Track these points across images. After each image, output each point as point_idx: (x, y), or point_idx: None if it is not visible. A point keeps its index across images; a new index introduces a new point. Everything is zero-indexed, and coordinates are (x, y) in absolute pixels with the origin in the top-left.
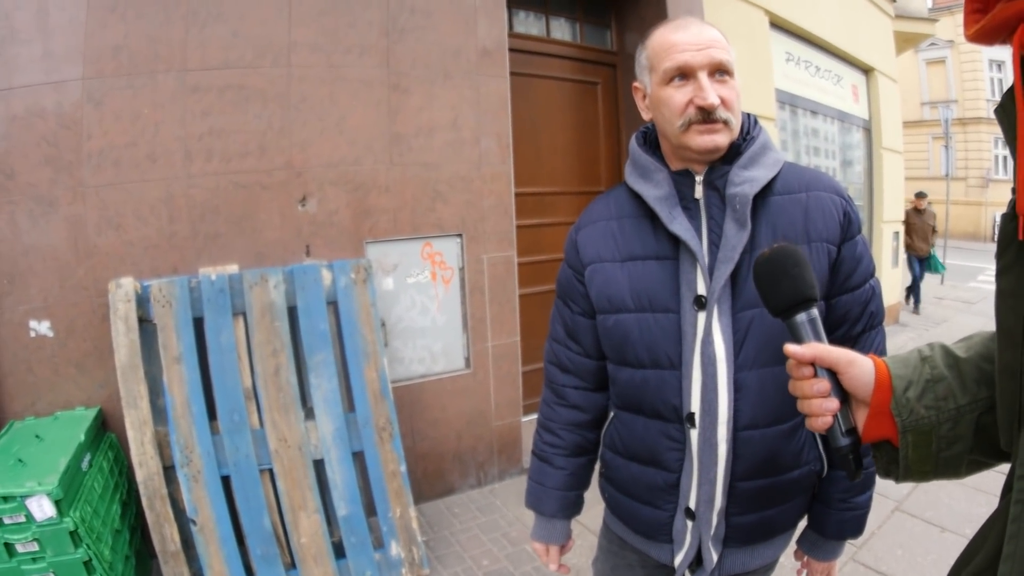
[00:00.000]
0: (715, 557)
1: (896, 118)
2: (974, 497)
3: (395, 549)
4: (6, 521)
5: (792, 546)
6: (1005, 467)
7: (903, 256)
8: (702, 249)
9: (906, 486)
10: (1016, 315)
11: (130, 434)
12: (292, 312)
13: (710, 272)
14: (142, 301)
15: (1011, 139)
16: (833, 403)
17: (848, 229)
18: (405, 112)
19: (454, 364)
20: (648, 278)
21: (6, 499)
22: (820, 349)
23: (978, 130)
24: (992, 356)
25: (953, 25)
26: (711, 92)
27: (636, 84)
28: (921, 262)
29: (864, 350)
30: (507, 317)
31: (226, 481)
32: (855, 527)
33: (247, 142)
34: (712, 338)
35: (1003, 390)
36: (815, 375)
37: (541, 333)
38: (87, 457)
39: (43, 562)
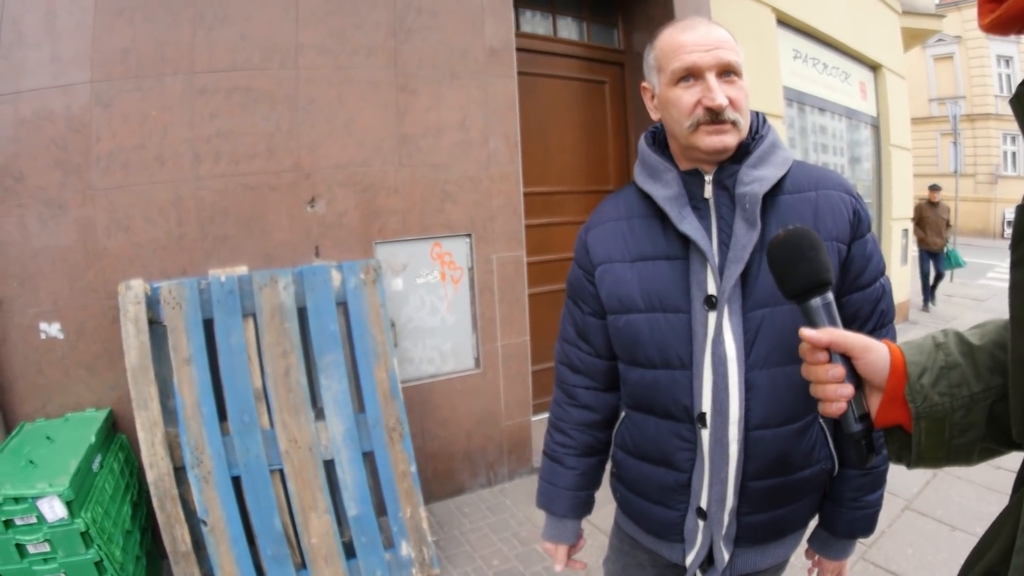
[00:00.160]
0: (726, 556)
1: (904, 115)
2: (984, 496)
3: (405, 549)
4: (18, 522)
5: (803, 545)
6: (1015, 466)
7: (912, 254)
8: (712, 249)
9: (916, 484)
10: None
11: (140, 435)
12: (302, 313)
13: (720, 272)
14: (152, 303)
15: None
16: (848, 388)
17: (858, 227)
18: (413, 113)
19: (464, 364)
20: (658, 278)
21: (17, 500)
22: (836, 334)
23: (986, 126)
24: (1006, 344)
25: (960, 21)
26: (719, 93)
27: (644, 84)
28: (934, 257)
29: None
30: (517, 317)
31: (236, 482)
32: (866, 526)
33: (255, 144)
34: (723, 338)
35: (1016, 381)
36: (830, 360)
37: (551, 332)
38: (98, 458)
39: (54, 563)
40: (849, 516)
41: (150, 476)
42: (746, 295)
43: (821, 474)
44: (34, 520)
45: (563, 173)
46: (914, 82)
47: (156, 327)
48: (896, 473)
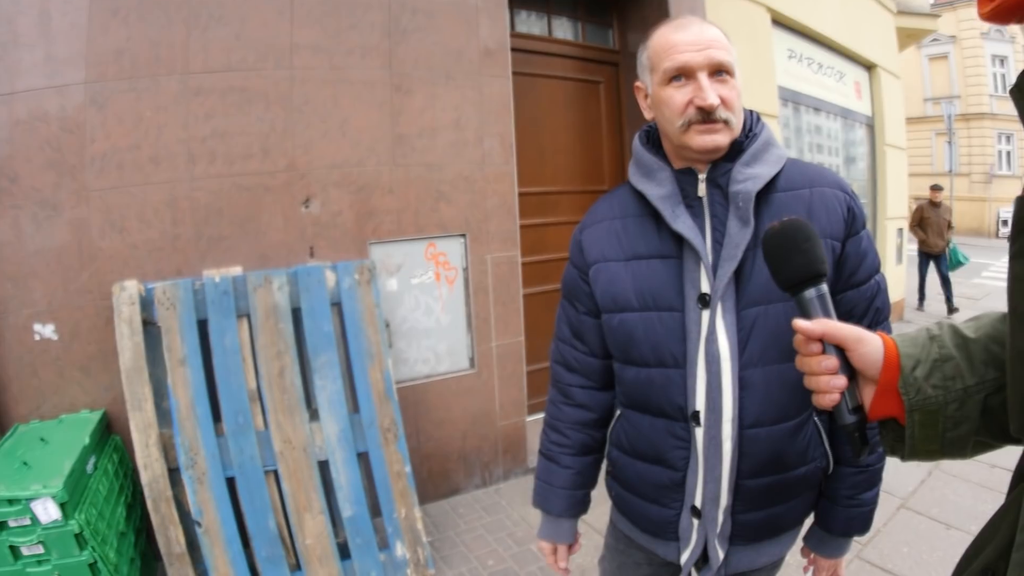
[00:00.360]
0: (721, 555)
1: (899, 114)
2: (980, 494)
3: (400, 550)
4: (11, 524)
5: (799, 543)
6: (1010, 463)
7: (908, 254)
8: (705, 247)
9: (912, 483)
10: None
11: (135, 436)
12: (296, 314)
13: (714, 270)
14: (146, 304)
15: None
16: (841, 380)
17: (852, 225)
18: (408, 113)
19: (458, 364)
20: (652, 277)
21: (11, 502)
22: (829, 325)
23: (981, 125)
24: (1001, 337)
25: (955, 21)
26: (710, 92)
27: (638, 84)
28: (935, 260)
29: None
30: (511, 317)
31: (231, 483)
32: (862, 524)
33: (250, 144)
34: (716, 336)
35: (1015, 375)
36: (823, 351)
37: (546, 332)
38: (92, 460)
39: (48, 565)
40: (845, 514)
41: (144, 477)
42: (740, 293)
43: (816, 472)
44: (28, 522)
45: (558, 173)
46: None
47: (150, 328)
48: (891, 472)
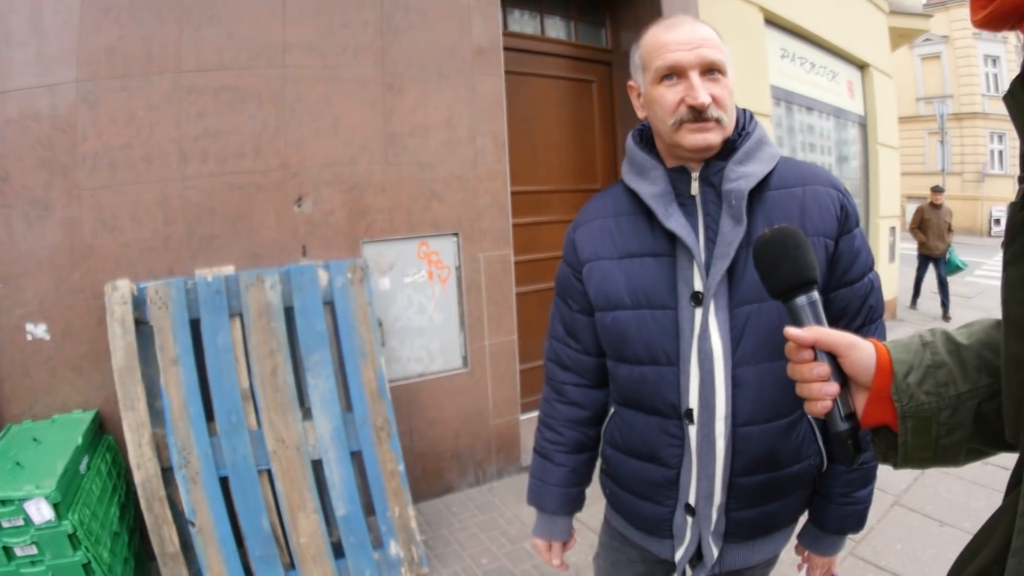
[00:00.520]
0: (715, 552)
1: (891, 114)
2: (973, 492)
3: (394, 548)
4: (4, 525)
5: (793, 541)
6: (1005, 462)
7: (901, 252)
8: (698, 245)
9: (905, 480)
10: None
11: (128, 436)
12: (289, 312)
13: (706, 268)
14: (138, 303)
15: (1020, 126)
16: (833, 387)
17: (845, 223)
18: (400, 112)
19: (452, 363)
20: (645, 275)
21: (4, 503)
22: (821, 332)
23: (973, 125)
24: (994, 344)
25: (948, 21)
26: (702, 91)
27: (631, 83)
28: (935, 262)
29: None
30: (504, 315)
31: (224, 482)
32: (856, 522)
33: (242, 143)
34: (709, 334)
35: (1010, 381)
36: (815, 359)
37: (538, 331)
38: (85, 460)
39: (42, 565)
40: (838, 512)
41: (137, 477)
42: (732, 291)
43: (810, 470)
44: (21, 522)
45: (550, 172)
46: (902, 81)
47: (143, 327)
48: (885, 469)
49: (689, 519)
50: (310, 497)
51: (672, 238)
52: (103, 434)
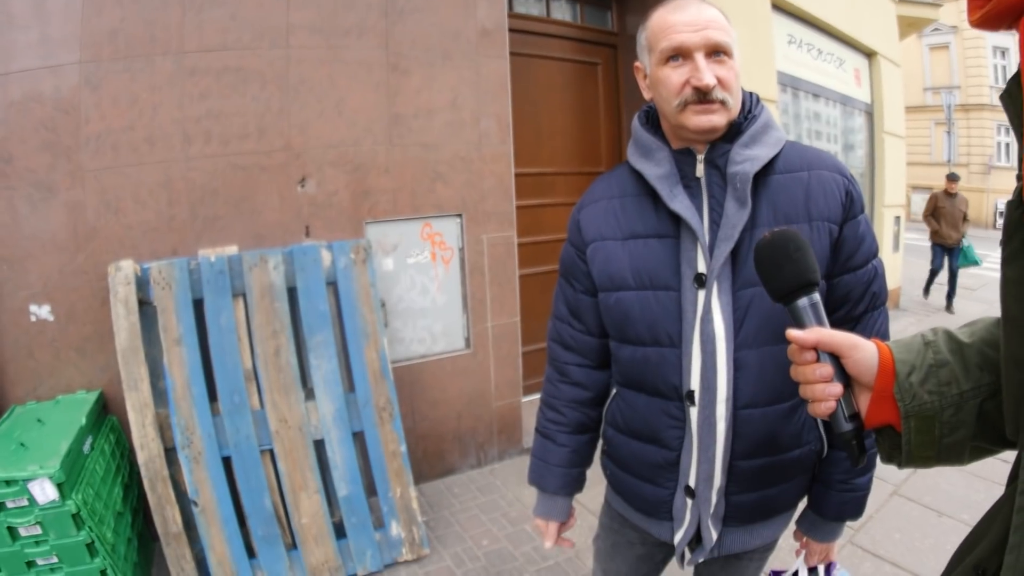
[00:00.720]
0: (714, 535)
1: (898, 103)
2: (972, 483)
3: (395, 529)
4: (9, 505)
5: (792, 527)
6: (1006, 455)
7: (905, 242)
8: (702, 227)
9: (904, 471)
10: (1022, 304)
11: (131, 417)
12: (292, 293)
13: (710, 250)
14: (142, 284)
15: (1016, 126)
16: (836, 388)
17: (850, 208)
18: (404, 93)
19: (454, 344)
20: (649, 256)
21: (8, 483)
22: (823, 333)
23: (981, 116)
24: (996, 342)
25: (957, 11)
26: (707, 72)
27: (637, 64)
28: (950, 252)
29: (866, 331)
30: (507, 297)
31: (227, 462)
32: (855, 509)
33: (246, 124)
34: (711, 316)
35: (1009, 380)
36: (817, 360)
37: (541, 313)
38: (89, 440)
39: (46, 545)
40: (838, 499)
41: (141, 457)
42: (736, 274)
43: (810, 455)
44: (25, 503)
45: (555, 154)
46: (909, 70)
47: (146, 308)
48: None
49: (689, 501)
50: (312, 477)
51: (676, 220)
52: (107, 415)
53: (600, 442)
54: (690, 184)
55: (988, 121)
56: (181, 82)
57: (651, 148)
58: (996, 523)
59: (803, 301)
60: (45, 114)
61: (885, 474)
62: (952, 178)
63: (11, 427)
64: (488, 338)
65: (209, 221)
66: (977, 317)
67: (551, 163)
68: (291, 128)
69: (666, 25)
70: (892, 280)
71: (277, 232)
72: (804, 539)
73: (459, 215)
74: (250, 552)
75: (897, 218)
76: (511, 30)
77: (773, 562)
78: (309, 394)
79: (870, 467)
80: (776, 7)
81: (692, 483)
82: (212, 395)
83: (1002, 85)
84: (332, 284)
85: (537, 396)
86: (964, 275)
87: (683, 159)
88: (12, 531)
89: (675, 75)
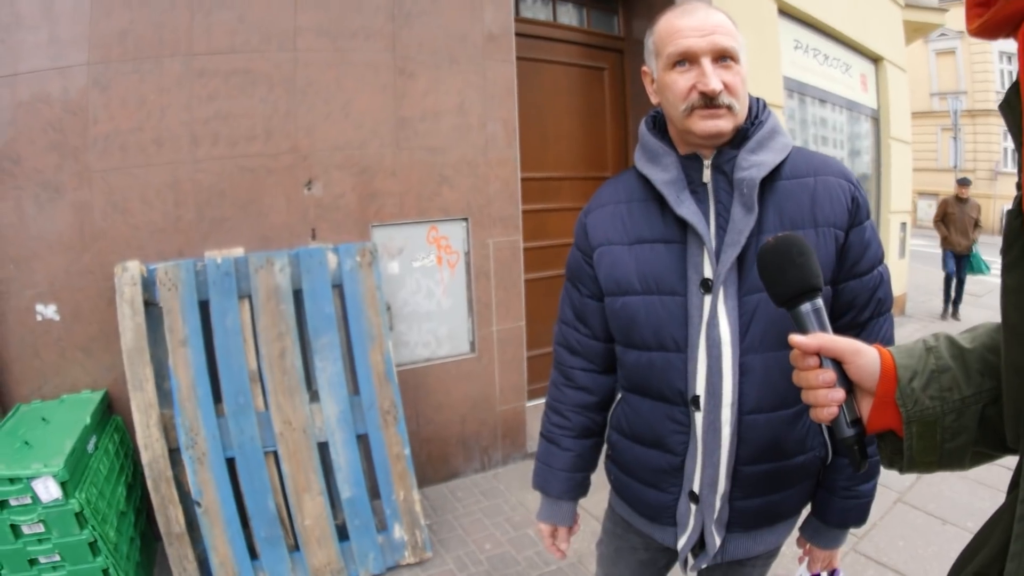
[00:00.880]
0: (718, 541)
1: (905, 108)
2: (976, 491)
3: (398, 532)
4: (12, 503)
5: (795, 533)
6: (1009, 462)
7: (911, 248)
8: (709, 232)
9: (908, 478)
10: (1022, 312)
11: (136, 417)
12: (297, 295)
13: (717, 255)
14: (148, 284)
15: (1016, 134)
16: (839, 393)
17: (856, 214)
18: (411, 96)
19: (459, 348)
20: (655, 261)
21: (12, 481)
22: (825, 339)
23: (987, 122)
24: (998, 347)
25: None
26: (713, 78)
27: (644, 68)
28: (959, 260)
29: (871, 337)
30: (513, 302)
31: (231, 463)
32: (859, 516)
33: (253, 126)
34: (717, 321)
35: (1010, 387)
36: (820, 365)
37: (546, 318)
38: (93, 439)
39: (49, 543)
40: (842, 505)
41: (145, 457)
42: (742, 279)
43: (814, 461)
44: (29, 501)
45: (561, 159)
46: (916, 76)
47: (152, 309)
48: None
49: (693, 507)
50: (316, 479)
51: (683, 225)
52: (111, 414)
53: (604, 447)
54: (697, 189)
55: (995, 127)
56: (189, 84)
57: (658, 153)
58: (997, 531)
59: (806, 306)
60: (53, 115)
61: (889, 481)
62: (963, 183)
63: (16, 425)
64: (493, 342)
65: (216, 223)
66: (982, 322)
67: (557, 167)
68: (298, 130)
69: (673, 30)
70: (898, 287)
71: (283, 234)
72: (807, 545)
73: (465, 219)
74: (253, 553)
75: (903, 224)
76: (518, 34)
77: (776, 568)
78: (314, 396)
79: (874, 474)
80: (783, 12)
81: (696, 488)
82: (217, 396)
83: None
84: (338, 287)
85: (542, 401)
86: (970, 281)
87: (690, 164)
88: (15, 529)
89: (682, 80)
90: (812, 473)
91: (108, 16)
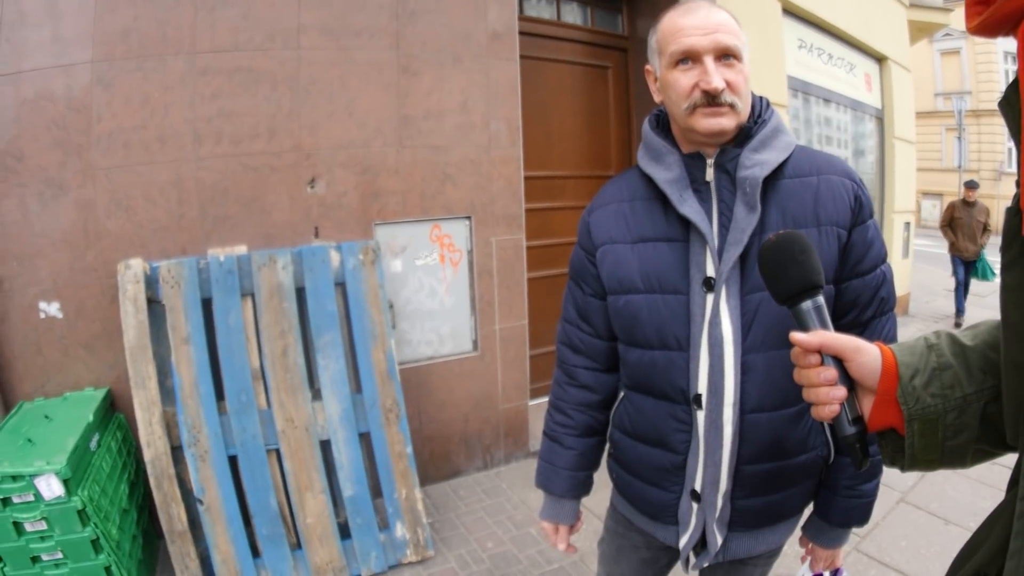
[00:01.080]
0: (720, 540)
1: (909, 108)
2: (979, 490)
3: (400, 530)
4: (15, 500)
5: (797, 533)
6: (1010, 460)
7: (914, 248)
8: (712, 231)
9: (911, 477)
10: (1021, 310)
11: (138, 414)
12: (300, 293)
13: (719, 254)
14: (151, 282)
15: (1015, 133)
16: (840, 391)
17: (859, 213)
18: (415, 95)
19: (462, 347)
20: (658, 260)
21: (15, 478)
22: (827, 337)
23: (992, 122)
24: (998, 345)
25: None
26: (715, 76)
27: (648, 67)
28: (967, 266)
29: (874, 336)
30: (515, 300)
31: (233, 461)
32: (861, 515)
33: (256, 124)
34: (720, 320)
35: (1009, 385)
36: (821, 363)
37: (549, 317)
38: (95, 437)
39: (51, 541)
40: (844, 504)
41: (147, 455)
42: (744, 278)
43: (816, 461)
44: (31, 498)
45: (564, 158)
46: (920, 76)
47: (155, 306)
48: None
49: (694, 505)
50: (318, 477)
51: (686, 224)
52: (114, 412)
53: (607, 445)
54: (700, 188)
55: (999, 127)
56: (193, 82)
57: (661, 152)
58: (996, 528)
59: (807, 304)
60: (57, 112)
61: (892, 481)
62: (970, 185)
63: (19, 423)
64: (496, 341)
65: (219, 220)
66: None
67: (561, 166)
68: (301, 129)
69: (676, 28)
70: (901, 286)
71: (286, 232)
72: (810, 545)
73: (468, 217)
74: (255, 551)
75: (907, 224)
76: (521, 33)
77: (779, 568)
78: (316, 394)
79: (876, 473)
80: (787, 11)
81: (698, 487)
82: (219, 394)
83: None
84: (340, 285)
85: (545, 399)
86: (973, 281)
87: (693, 163)
88: (18, 526)
89: (684, 78)
90: (814, 472)
91: (112, 14)
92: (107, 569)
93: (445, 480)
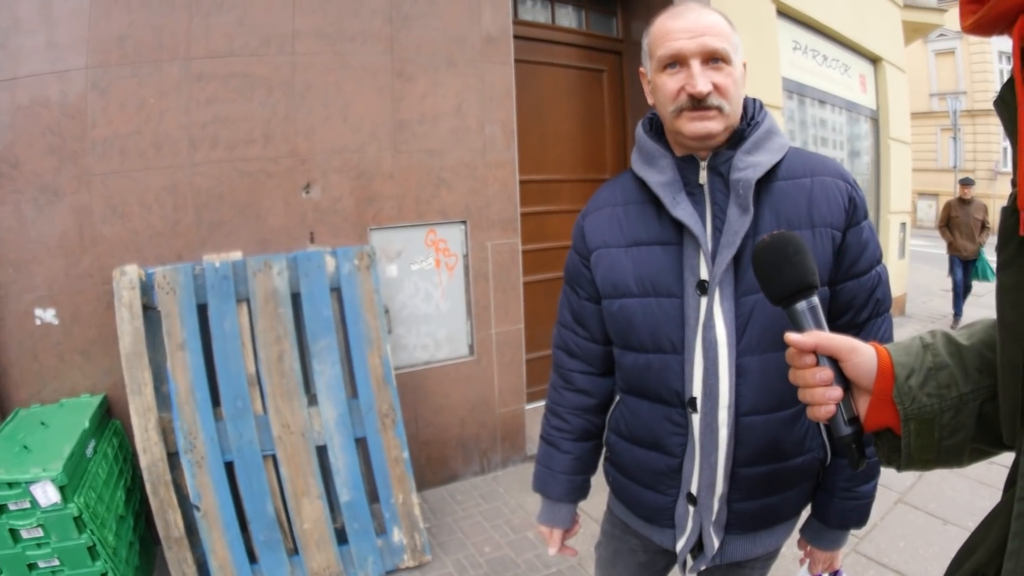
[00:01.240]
0: (716, 543)
1: (904, 109)
2: (977, 490)
3: (397, 535)
4: (11, 507)
5: (795, 535)
6: (1007, 460)
7: (910, 248)
8: (705, 234)
9: (909, 478)
10: (1018, 310)
11: (134, 421)
12: (296, 299)
13: (713, 257)
14: (146, 288)
15: (1011, 132)
16: (836, 392)
17: (853, 215)
18: (409, 99)
19: (458, 351)
20: (652, 263)
21: (11, 485)
22: (822, 337)
23: (987, 122)
24: (994, 344)
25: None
26: (701, 79)
27: (642, 69)
28: (966, 266)
29: (869, 337)
30: (511, 304)
31: (229, 467)
32: (859, 517)
33: (251, 130)
34: (714, 322)
35: (1005, 385)
36: (816, 364)
37: (545, 321)
38: (92, 444)
39: (47, 548)
40: (842, 506)
41: (143, 461)
42: (738, 280)
43: (813, 463)
44: (28, 505)
45: (559, 161)
46: (915, 76)
47: (150, 312)
48: None
49: (691, 509)
50: (314, 483)
51: (679, 227)
52: (110, 418)
53: (603, 449)
54: (693, 191)
55: (994, 127)
56: (188, 87)
57: (654, 155)
58: (994, 529)
59: (802, 304)
60: (52, 119)
61: (890, 481)
62: (965, 183)
63: (14, 430)
64: (492, 345)
65: (214, 226)
66: None
67: (556, 170)
68: (296, 134)
69: (664, 32)
70: (898, 287)
71: (282, 238)
72: (808, 547)
73: (463, 221)
74: (251, 557)
75: (903, 224)
76: (516, 37)
77: (777, 570)
78: (312, 400)
79: (874, 474)
80: (781, 13)
81: (694, 490)
82: (215, 400)
83: None
84: (336, 290)
85: (541, 403)
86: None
87: (686, 166)
88: (14, 533)
89: (671, 82)
90: (811, 474)
91: (107, 20)
92: None
93: (442, 485)
